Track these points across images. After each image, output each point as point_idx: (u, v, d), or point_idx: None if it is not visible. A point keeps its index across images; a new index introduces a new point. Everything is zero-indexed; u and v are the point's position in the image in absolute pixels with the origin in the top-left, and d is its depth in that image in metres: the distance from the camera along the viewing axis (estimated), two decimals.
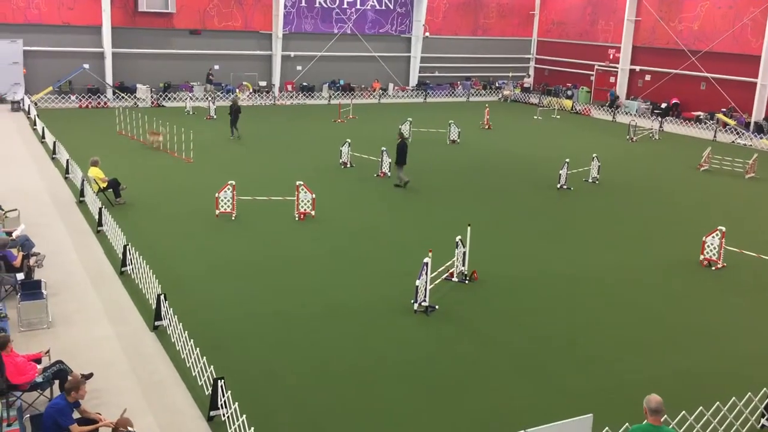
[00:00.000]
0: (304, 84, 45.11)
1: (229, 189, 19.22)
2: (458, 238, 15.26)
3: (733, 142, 35.07)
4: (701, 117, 39.68)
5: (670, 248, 18.25)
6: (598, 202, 22.64)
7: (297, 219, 19.31)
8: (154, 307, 12.74)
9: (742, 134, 35.90)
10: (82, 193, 20.14)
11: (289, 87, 44.73)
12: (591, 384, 11.40)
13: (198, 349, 10.77)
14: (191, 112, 36.15)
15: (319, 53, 45.53)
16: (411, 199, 22.11)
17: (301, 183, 19.47)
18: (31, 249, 14.79)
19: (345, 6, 45.68)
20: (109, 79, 39.58)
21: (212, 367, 10.23)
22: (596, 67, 47.70)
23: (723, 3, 39.77)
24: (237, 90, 42.03)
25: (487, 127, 35.90)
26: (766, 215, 21.92)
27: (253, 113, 37.34)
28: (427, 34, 47.78)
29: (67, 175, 22.75)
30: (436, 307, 13.84)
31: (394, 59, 48.21)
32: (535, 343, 12.68)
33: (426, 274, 13.54)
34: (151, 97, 39.02)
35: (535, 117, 40.62)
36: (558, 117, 41.09)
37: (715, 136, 35.87)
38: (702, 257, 17.13)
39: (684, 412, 9.94)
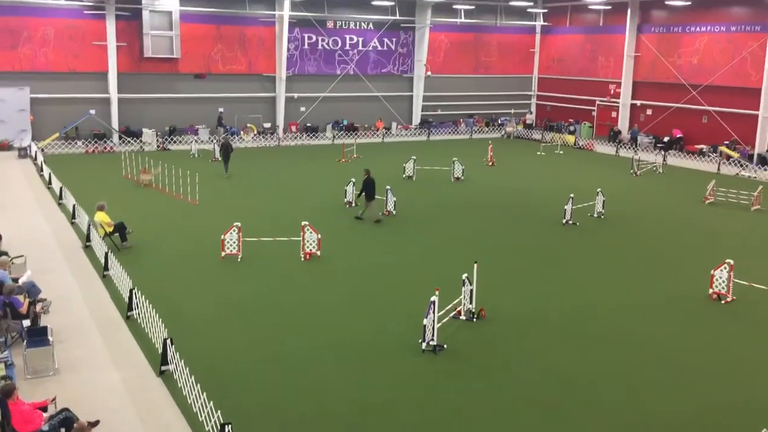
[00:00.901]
0: (308, 125, 45.49)
1: (234, 231, 19.25)
2: (465, 275, 15.20)
3: (737, 174, 35.10)
4: (704, 150, 39.78)
5: (679, 282, 18.13)
6: (605, 237, 22.57)
7: (303, 259, 19.29)
8: (160, 351, 12.66)
9: (746, 166, 35.94)
10: (88, 238, 20.18)
11: (293, 128, 45.11)
12: (609, 424, 11.21)
13: (205, 393, 10.67)
14: (196, 155, 36.43)
15: (322, 94, 46.01)
16: (417, 236, 22.09)
17: (307, 223, 19.50)
18: (38, 295, 14.78)
19: (347, 48, 46.32)
20: (115, 124, 40.01)
21: (219, 412, 10.12)
22: (597, 102, 48.04)
23: (721, 37, 40.19)
24: (242, 132, 42.39)
25: (490, 163, 36.04)
26: None
27: (257, 155, 37.62)
28: (429, 73, 48.30)
29: (73, 221, 22.84)
30: (445, 346, 13.72)
31: (396, 98, 48.68)
32: (547, 383, 12.52)
33: (433, 312, 13.45)
34: (157, 140, 39.36)
35: (539, 153, 40.79)
36: (561, 152, 41.25)
37: (718, 169, 35.91)
38: (711, 291, 17.00)
39: None
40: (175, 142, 39.74)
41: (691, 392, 12.28)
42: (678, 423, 11.24)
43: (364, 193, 23.70)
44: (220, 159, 32.86)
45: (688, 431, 10.91)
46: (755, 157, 37.66)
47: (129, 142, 39.08)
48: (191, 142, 38.22)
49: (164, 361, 12.47)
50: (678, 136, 41.99)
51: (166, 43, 40.41)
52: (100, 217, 19.88)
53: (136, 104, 40.98)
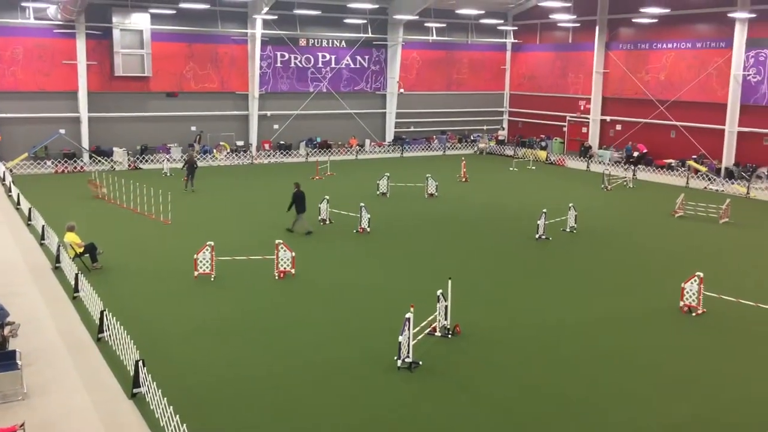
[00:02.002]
0: (281, 142, 45.42)
1: (207, 250, 19.09)
2: (439, 291, 15.22)
3: (705, 188, 35.71)
4: (673, 164, 40.45)
5: (650, 295, 18.33)
6: (577, 252, 22.78)
7: (277, 278, 19.18)
8: (132, 373, 12.46)
9: (714, 180, 36.60)
10: (58, 259, 19.88)
11: (267, 146, 45.00)
12: None
13: (178, 416, 10.51)
14: (169, 174, 36.15)
15: (295, 112, 46.03)
16: (391, 253, 22.10)
17: (281, 241, 19.42)
18: (6, 318, 14.48)
19: (320, 65, 46.45)
20: (85, 143, 39.59)
21: None
22: (568, 118, 48.67)
23: (688, 54, 41.04)
24: (215, 150, 42.20)
25: (464, 179, 36.26)
26: (743, 260, 22.18)
27: (230, 173, 37.44)
28: (402, 90, 48.61)
29: (42, 242, 22.48)
30: (420, 362, 13.70)
31: (369, 116, 48.85)
32: (524, 397, 12.55)
33: (408, 329, 13.44)
34: (128, 159, 39.01)
35: (511, 168, 41.15)
36: (533, 168, 41.65)
37: (687, 183, 36.51)
38: (682, 303, 17.22)
39: None
40: (146, 161, 39.41)
41: (665, 405, 12.38)
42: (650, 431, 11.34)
43: (294, 206, 24.07)
44: (186, 178, 32.83)
45: None
46: (722, 170, 38.38)
47: (100, 161, 38.67)
48: (163, 161, 37.93)
49: (136, 383, 12.28)
50: (644, 151, 42.59)
51: (137, 62, 40.19)
52: (70, 237, 19.61)
53: (106, 123, 40.61)
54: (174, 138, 42.46)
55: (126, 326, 14.01)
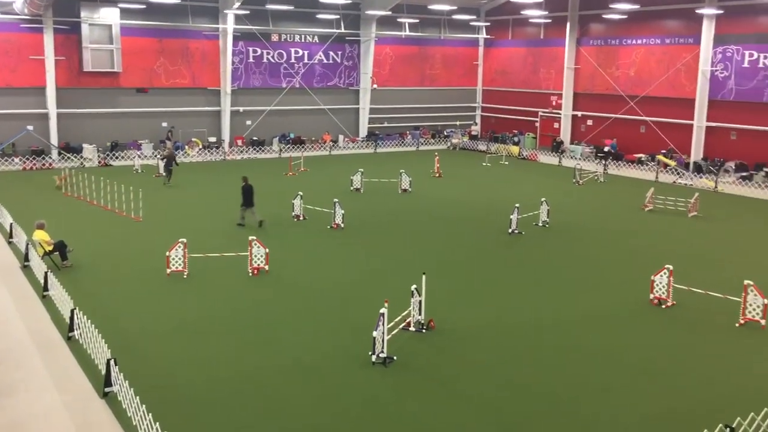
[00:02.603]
0: (254, 138, 45.17)
1: (180, 247, 18.94)
2: (414, 287, 15.27)
3: (674, 182, 36.23)
4: (642, 159, 40.96)
5: (621, 288, 18.58)
6: (549, 246, 23.00)
7: (251, 274, 19.09)
8: (103, 372, 12.33)
9: (683, 174, 37.15)
10: (26, 258, 19.57)
11: (239, 142, 44.71)
12: (555, 430, 11.38)
13: (150, 414, 10.42)
14: (139, 171, 35.75)
15: (268, 107, 45.78)
16: (365, 249, 22.11)
17: (254, 238, 19.33)
18: None
19: (293, 61, 46.24)
20: (54, 139, 38.98)
21: None
22: (540, 113, 49.05)
23: (657, 50, 41.57)
24: (186, 146, 41.83)
25: (437, 175, 36.38)
26: (711, 253, 22.57)
27: (203, 169, 37.13)
28: (375, 85, 48.60)
29: (10, 240, 22.13)
30: (395, 357, 13.75)
31: (343, 111, 48.76)
32: (495, 391, 12.66)
33: (383, 324, 13.47)
34: (98, 156, 38.51)
35: (484, 164, 41.36)
36: (506, 163, 41.92)
37: (657, 177, 37.02)
38: (652, 296, 17.48)
39: None
40: (117, 157, 38.92)
41: (635, 397, 12.57)
42: (626, 428, 11.48)
43: (242, 200, 24.41)
44: (164, 174, 32.68)
45: (631, 430, 11.19)
46: (691, 165, 38.98)
47: (69, 158, 38.11)
48: (134, 157, 37.50)
49: (108, 382, 12.15)
50: (610, 145, 43.05)
51: (107, 57, 39.66)
52: (40, 235, 19.31)
53: (76, 119, 40.02)
54: (145, 134, 41.99)
55: (97, 325, 13.86)
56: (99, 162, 38.08)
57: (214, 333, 15.09)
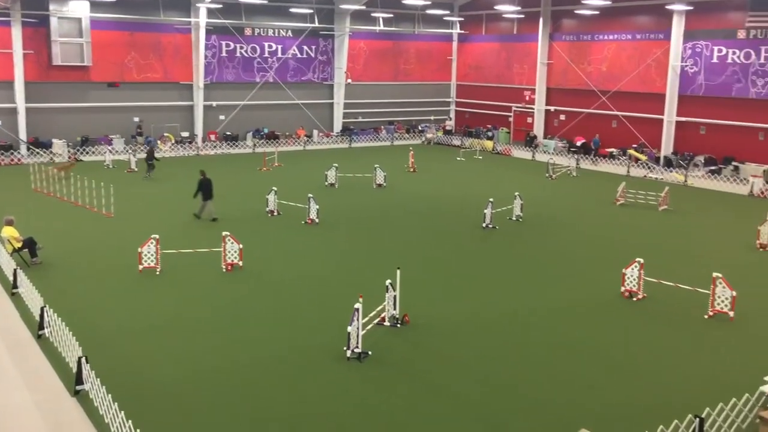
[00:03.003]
0: (228, 133, 44.83)
1: (152, 243, 18.75)
2: (388, 281, 15.29)
3: (645, 176, 36.69)
4: (614, 153, 41.41)
5: (593, 282, 18.79)
6: (523, 240, 23.17)
7: (225, 270, 18.97)
8: (74, 370, 12.18)
9: (653, 168, 37.64)
10: None
11: (213, 137, 44.35)
12: (530, 423, 11.49)
13: (123, 412, 10.33)
14: (111, 166, 35.32)
15: (241, 102, 45.46)
16: (340, 244, 22.09)
17: (228, 233, 19.21)
18: None
19: (266, 55, 45.95)
20: (22, 134, 38.33)
21: (138, 431, 9.83)
22: (514, 108, 49.33)
23: (628, 45, 42.01)
24: (159, 141, 41.39)
25: (412, 170, 36.43)
26: (681, 246, 22.90)
27: (176, 165, 36.77)
28: (349, 80, 48.48)
29: None
30: (369, 353, 13.77)
31: (317, 106, 48.60)
32: (472, 385, 12.73)
33: (357, 319, 13.48)
34: (68, 151, 37.95)
35: (458, 158, 41.52)
36: (480, 158, 42.12)
37: (628, 172, 37.46)
38: (623, 289, 17.70)
39: None
40: (87, 152, 38.40)
41: (607, 388, 12.73)
42: (597, 418, 11.63)
43: (200, 193, 24.54)
44: (136, 169, 32.42)
45: (602, 421, 11.30)
46: (661, 159, 39.51)
47: (38, 153, 37.51)
48: (105, 152, 37.03)
49: (79, 380, 12.01)
50: (581, 142, 43.49)
51: (76, 51, 39.07)
52: (8, 232, 19.00)
53: (45, 114, 39.39)
54: (116, 129, 41.49)
55: (68, 322, 13.69)
56: (69, 157, 37.52)
57: (187, 330, 14.98)
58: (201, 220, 24.49)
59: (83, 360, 11.92)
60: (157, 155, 34.75)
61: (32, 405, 11.70)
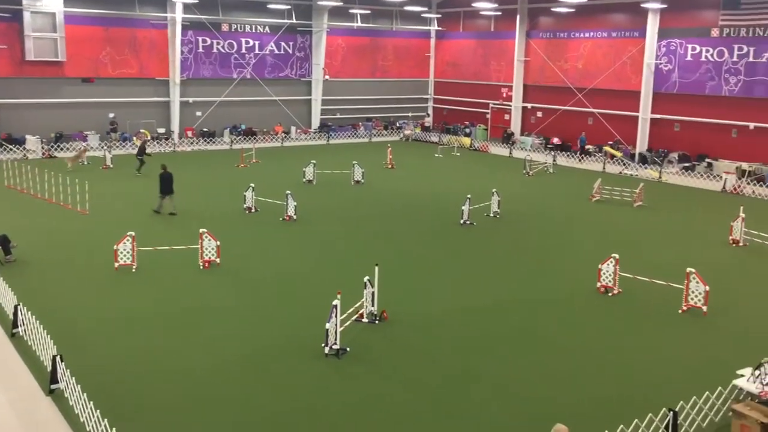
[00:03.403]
0: (205, 130, 44.51)
1: (128, 240, 18.59)
2: (366, 278, 15.31)
3: (620, 173, 37.07)
4: (590, 150, 41.78)
5: (570, 277, 18.97)
6: (500, 236, 23.31)
7: (202, 267, 18.87)
8: (49, 369, 12.06)
9: (629, 165, 38.03)
10: None
11: (189, 133, 44.00)
12: (510, 417, 11.59)
13: (98, 411, 10.24)
14: (85, 162, 34.90)
15: (218, 98, 45.15)
16: (317, 241, 22.06)
17: (205, 230, 19.09)
18: None
19: (243, 51, 45.68)
20: None
21: (114, 430, 9.75)
22: (491, 105, 49.55)
23: (604, 43, 42.39)
24: (135, 137, 40.99)
25: (390, 166, 36.46)
26: (655, 241, 23.19)
27: (151, 161, 36.38)
28: (327, 77, 48.36)
29: None
30: (348, 349, 13.78)
31: (295, 102, 48.42)
32: (449, 380, 12.80)
33: (335, 316, 13.48)
34: (42, 148, 37.45)
35: (436, 155, 41.62)
36: (458, 154, 42.26)
37: (604, 168, 37.82)
38: (599, 284, 17.89)
39: None
40: (62, 149, 37.92)
41: (583, 383, 12.87)
42: (572, 412, 11.76)
43: (160, 187, 24.64)
44: (111, 166, 32.08)
45: (577, 415, 11.43)
46: (636, 156, 39.94)
47: (11, 150, 36.96)
48: (80, 148, 36.56)
49: (54, 379, 11.90)
50: (579, 138, 43.72)
51: (50, 46, 38.54)
52: None
53: (18, 110, 38.81)
54: (91, 125, 40.98)
55: (42, 321, 13.54)
56: (43, 154, 37.03)
57: (164, 327, 14.88)
58: (161, 215, 24.47)
59: (58, 359, 11.81)
60: (148, 151, 34.33)
61: (6, 404, 11.56)
